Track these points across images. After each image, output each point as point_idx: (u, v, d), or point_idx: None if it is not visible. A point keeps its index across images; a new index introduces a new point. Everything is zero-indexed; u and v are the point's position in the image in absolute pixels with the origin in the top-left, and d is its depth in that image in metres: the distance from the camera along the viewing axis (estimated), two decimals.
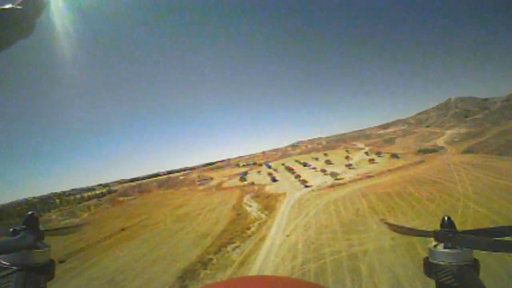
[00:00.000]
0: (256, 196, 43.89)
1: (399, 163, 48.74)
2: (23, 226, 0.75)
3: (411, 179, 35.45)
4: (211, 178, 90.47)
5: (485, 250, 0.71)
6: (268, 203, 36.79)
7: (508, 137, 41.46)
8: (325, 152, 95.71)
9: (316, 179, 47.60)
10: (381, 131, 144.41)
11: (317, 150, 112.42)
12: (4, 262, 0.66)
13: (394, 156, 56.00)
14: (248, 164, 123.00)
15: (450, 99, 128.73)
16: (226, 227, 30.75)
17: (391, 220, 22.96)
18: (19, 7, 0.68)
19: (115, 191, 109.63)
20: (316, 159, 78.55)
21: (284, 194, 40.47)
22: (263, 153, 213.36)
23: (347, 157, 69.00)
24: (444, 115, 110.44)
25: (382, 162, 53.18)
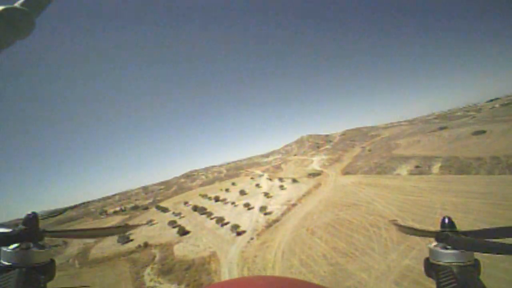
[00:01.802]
0: (165, 271, 25.95)
1: (304, 187, 51.24)
2: (23, 226, 0.72)
3: (331, 204, 35.81)
4: (65, 242, 52.69)
5: (484, 252, 0.66)
6: (198, 280, 22.31)
7: (375, 160, 55.70)
8: (231, 180, 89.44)
9: (244, 219, 38.37)
10: (265, 159, 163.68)
11: (221, 179, 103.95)
12: (4, 262, 0.63)
13: (294, 181, 59.59)
14: (122, 210, 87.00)
15: (303, 136, 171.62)
16: None
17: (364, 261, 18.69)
18: (18, 6, 0.66)
19: None
20: (227, 190, 69.64)
21: (214, 254, 27.03)
22: (144, 188, 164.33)
23: (257, 185, 66.15)
24: (302, 146, 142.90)
25: (290, 188, 54.31)
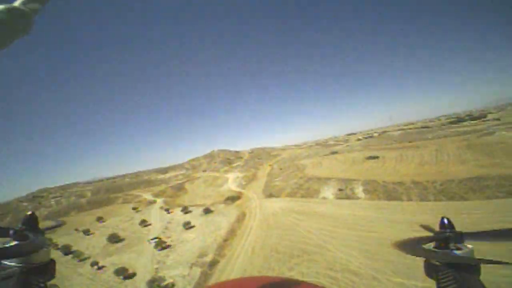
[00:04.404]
0: None
1: (223, 222, 37.28)
2: (23, 226, 0.73)
3: (271, 253, 24.50)
4: None
5: (476, 263, 0.71)
6: None
7: (294, 180, 50.60)
8: (99, 211, 56.85)
9: None
10: (161, 176, 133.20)
11: (80, 208, 65.04)
12: (4, 262, 0.66)
13: (208, 210, 44.34)
14: None
15: (214, 150, 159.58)
16: None
17: None
18: (16, 5, 0.68)
19: None
20: (88, 232, 40.17)
21: None
22: None
23: (143, 222, 43.06)
24: (214, 162, 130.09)
25: (201, 224, 38.26)
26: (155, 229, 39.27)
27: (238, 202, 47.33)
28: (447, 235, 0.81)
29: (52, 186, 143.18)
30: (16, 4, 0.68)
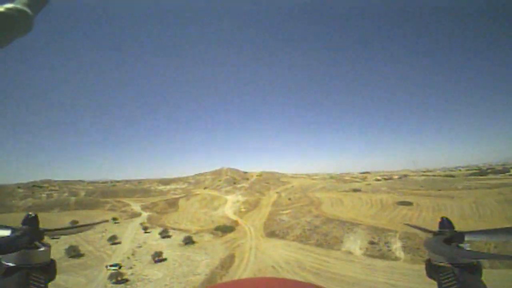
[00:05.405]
0: None
1: (201, 263, 29.13)
2: (23, 226, 0.73)
3: None
4: None
5: (483, 258, 0.68)
6: None
7: (307, 219, 41.58)
8: (83, 212, 50.77)
9: None
10: (162, 187, 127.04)
11: (66, 207, 60.07)
12: (5, 262, 0.66)
13: (188, 240, 36.04)
14: None
15: (223, 167, 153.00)
16: None
17: None
18: (18, 5, 0.68)
19: None
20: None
21: None
22: None
23: (111, 239, 35.43)
24: (218, 179, 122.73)
25: (175, 259, 30.14)
26: (121, 251, 31.59)
27: (229, 235, 38.66)
28: (448, 234, 0.79)
29: (57, 179, 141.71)
30: (16, 3, 0.67)
